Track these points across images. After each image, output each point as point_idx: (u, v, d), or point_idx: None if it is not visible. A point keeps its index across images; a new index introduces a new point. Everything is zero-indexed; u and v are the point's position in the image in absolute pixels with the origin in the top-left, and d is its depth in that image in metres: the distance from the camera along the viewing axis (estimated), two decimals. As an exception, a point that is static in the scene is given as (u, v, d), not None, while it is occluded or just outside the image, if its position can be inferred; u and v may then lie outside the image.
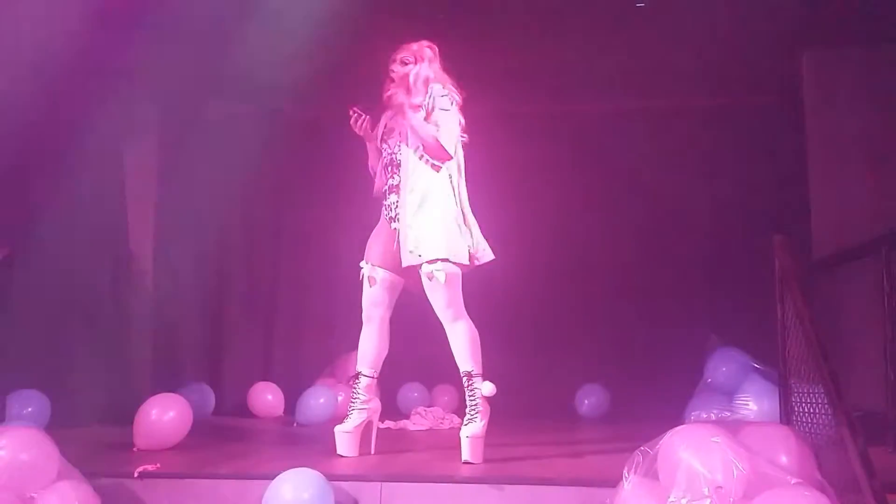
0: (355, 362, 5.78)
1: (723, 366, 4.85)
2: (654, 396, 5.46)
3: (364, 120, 3.76)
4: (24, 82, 4.58)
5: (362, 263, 3.80)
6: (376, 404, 3.89)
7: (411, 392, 6.05)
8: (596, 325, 6.16)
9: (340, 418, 5.47)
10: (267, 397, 5.84)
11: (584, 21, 5.04)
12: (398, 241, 3.68)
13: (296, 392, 5.52)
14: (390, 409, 5.85)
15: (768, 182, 5.95)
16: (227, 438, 4.57)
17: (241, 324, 6.36)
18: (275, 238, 6.53)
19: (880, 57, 5.16)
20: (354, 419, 3.76)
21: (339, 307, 6.53)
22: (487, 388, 3.66)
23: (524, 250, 6.17)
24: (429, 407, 5.68)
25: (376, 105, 3.83)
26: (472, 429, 3.60)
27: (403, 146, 3.73)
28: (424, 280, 3.65)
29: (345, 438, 3.72)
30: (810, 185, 5.31)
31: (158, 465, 3.29)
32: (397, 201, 3.72)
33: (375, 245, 3.81)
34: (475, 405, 3.65)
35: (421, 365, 6.22)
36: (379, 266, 3.77)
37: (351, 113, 3.77)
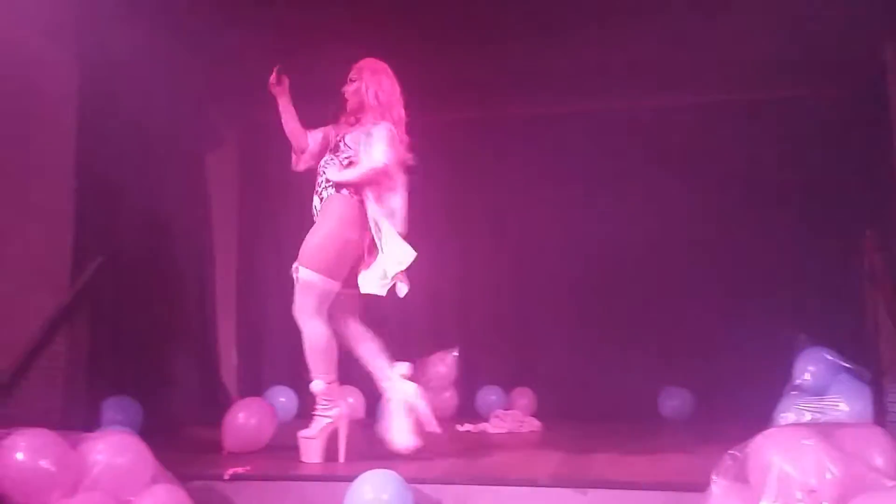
0: (434, 366, 5.94)
1: (812, 366, 4.69)
2: (739, 398, 5.33)
3: (282, 84, 3.90)
4: (116, 98, 4.78)
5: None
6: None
7: (489, 395, 6.05)
8: (679, 325, 6.04)
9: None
10: (347, 400, 5.90)
11: (663, 14, 4.95)
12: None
13: (376, 395, 5.57)
14: (469, 412, 5.88)
15: (857, 177, 5.75)
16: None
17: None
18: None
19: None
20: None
21: (416, 311, 6.60)
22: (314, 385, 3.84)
23: (605, 249, 6.13)
24: (507, 410, 5.67)
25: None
26: (306, 431, 3.77)
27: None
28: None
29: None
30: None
31: (248, 467, 3.37)
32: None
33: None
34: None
35: (498, 368, 6.24)
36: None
37: (274, 77, 3.88)
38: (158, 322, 5.05)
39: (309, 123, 4.12)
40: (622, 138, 6.20)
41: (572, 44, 5.20)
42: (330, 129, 4.06)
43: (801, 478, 2.32)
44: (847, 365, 4.53)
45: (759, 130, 6.06)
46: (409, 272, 6.50)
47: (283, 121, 4.02)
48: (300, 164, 4.11)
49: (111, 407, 4.47)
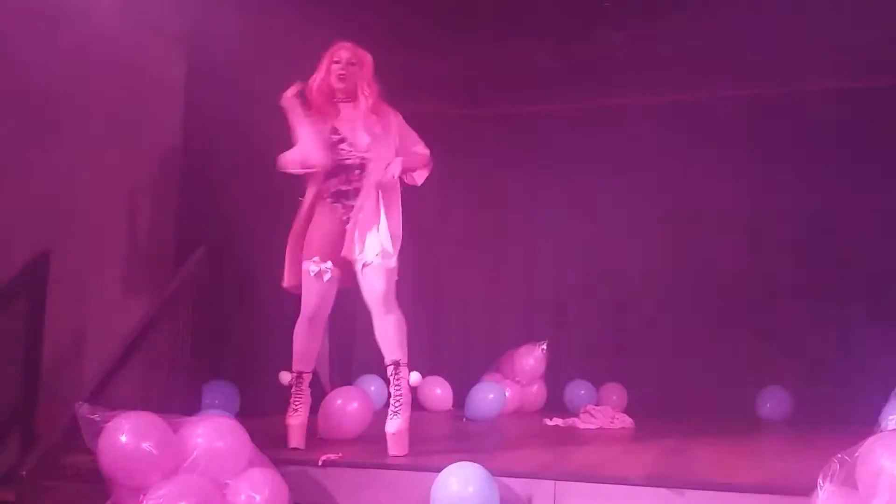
0: (522, 359, 5.91)
1: (921, 368, 4.48)
2: (842, 400, 5.13)
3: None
4: (221, 94, 4.92)
5: (310, 262, 3.77)
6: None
7: (578, 390, 5.98)
8: (781, 324, 5.84)
9: (508, 415, 5.55)
10: (436, 391, 5.95)
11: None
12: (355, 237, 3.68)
13: (464, 386, 5.59)
14: (557, 406, 5.83)
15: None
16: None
17: (414, 318, 6.48)
18: (439, 236, 6.64)
19: None
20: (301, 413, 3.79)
21: (505, 304, 6.59)
22: (414, 377, 3.66)
23: (704, 245, 5.99)
24: (597, 405, 5.59)
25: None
26: (397, 424, 3.60)
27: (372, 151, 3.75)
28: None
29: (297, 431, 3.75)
30: None
31: (341, 454, 3.42)
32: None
33: (321, 238, 3.79)
34: (399, 396, 3.63)
35: (588, 363, 6.17)
36: (327, 259, 3.75)
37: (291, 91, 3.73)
38: (257, 310, 5.17)
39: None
40: (715, 130, 6.03)
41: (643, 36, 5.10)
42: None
43: (915, 485, 2.21)
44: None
45: (867, 119, 5.79)
46: (504, 264, 6.58)
47: (302, 134, 3.80)
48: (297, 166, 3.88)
49: (211, 391, 4.61)
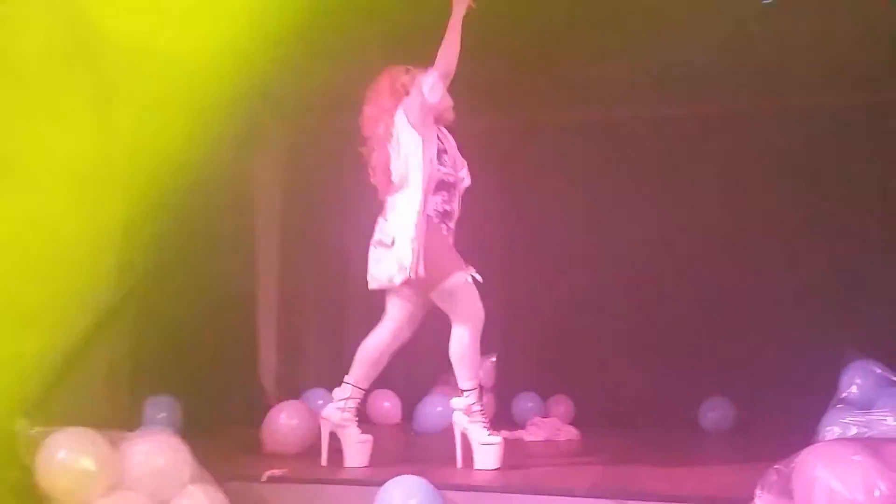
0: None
1: (859, 378, 4.58)
2: (782, 411, 5.24)
3: None
4: (164, 99, 4.83)
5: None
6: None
7: (526, 402, 6.00)
8: (722, 334, 5.94)
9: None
10: (384, 404, 5.92)
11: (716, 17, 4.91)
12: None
13: (413, 399, 5.58)
14: (505, 418, 5.84)
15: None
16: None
17: (360, 331, 6.48)
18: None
19: None
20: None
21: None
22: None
23: (646, 258, 6.06)
24: (544, 417, 5.62)
25: None
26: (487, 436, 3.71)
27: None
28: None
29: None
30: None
31: (286, 469, 3.38)
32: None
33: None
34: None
35: (537, 375, 6.20)
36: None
37: None
38: (201, 323, 5.10)
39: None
40: (660, 148, 6.13)
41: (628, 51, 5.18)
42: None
43: (849, 494, 2.27)
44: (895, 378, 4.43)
45: (805, 138, 5.94)
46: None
47: (452, 29, 3.66)
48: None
49: (153, 406, 4.53)
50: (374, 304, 6.52)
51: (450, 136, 3.89)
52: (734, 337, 5.89)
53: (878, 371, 4.56)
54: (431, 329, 6.51)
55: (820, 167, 5.87)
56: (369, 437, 3.84)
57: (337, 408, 3.82)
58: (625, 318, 6.05)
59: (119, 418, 3.66)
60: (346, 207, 6.57)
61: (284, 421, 4.13)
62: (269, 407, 4.28)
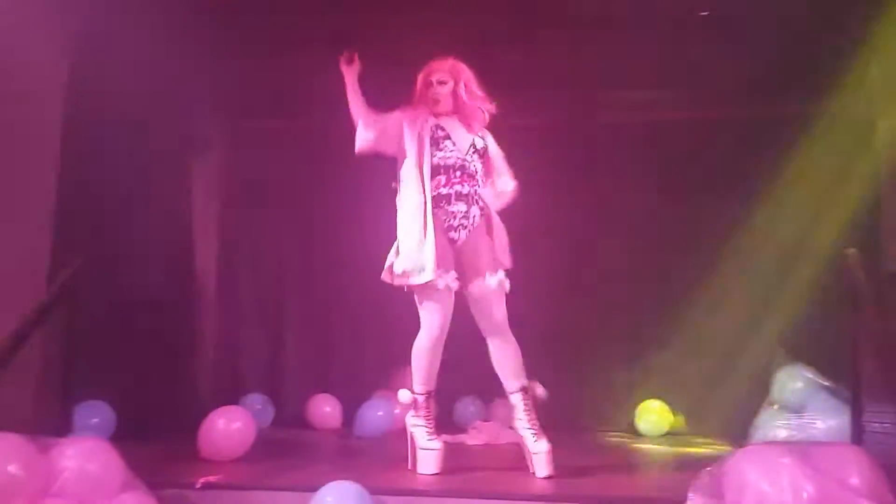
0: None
1: (790, 383, 4.72)
2: (716, 414, 5.35)
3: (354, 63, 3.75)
4: (95, 97, 4.73)
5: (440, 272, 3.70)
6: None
7: (468, 406, 6.01)
8: (657, 340, 6.04)
9: (398, 432, 5.53)
10: (325, 409, 5.88)
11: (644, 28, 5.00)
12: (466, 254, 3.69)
13: (354, 404, 5.54)
14: (447, 423, 5.84)
15: (838, 193, 5.78)
16: (286, 450, 4.60)
17: (300, 335, 6.44)
18: (335, 251, 6.58)
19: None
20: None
21: (398, 318, 6.56)
22: (540, 390, 3.73)
23: (582, 261, 6.12)
24: (485, 421, 5.63)
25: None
26: (543, 444, 3.63)
27: (479, 161, 3.81)
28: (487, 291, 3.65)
29: (436, 456, 3.70)
30: (882, 195, 5.14)
31: (220, 476, 3.33)
32: (465, 212, 3.72)
33: (447, 253, 3.72)
34: (534, 418, 3.69)
35: (478, 379, 6.20)
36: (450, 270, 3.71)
37: (347, 55, 3.76)
38: (136, 327, 4.99)
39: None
40: (605, 150, 6.21)
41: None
42: (403, 118, 3.84)
43: (777, 496, 2.32)
44: (825, 383, 4.55)
45: (739, 147, 6.08)
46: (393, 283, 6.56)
47: (349, 96, 3.80)
48: (364, 143, 3.85)
49: (85, 411, 4.41)
50: (314, 309, 6.52)
51: (457, 122, 3.85)
52: (668, 342, 6.00)
53: (808, 375, 4.69)
54: (372, 333, 6.54)
55: (740, 175, 6.02)
56: (437, 444, 3.72)
57: (410, 414, 3.86)
58: (564, 326, 6.09)
59: (49, 424, 3.56)
60: (286, 209, 6.55)
61: (222, 426, 4.04)
62: (204, 413, 4.18)
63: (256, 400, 5.54)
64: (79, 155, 4.69)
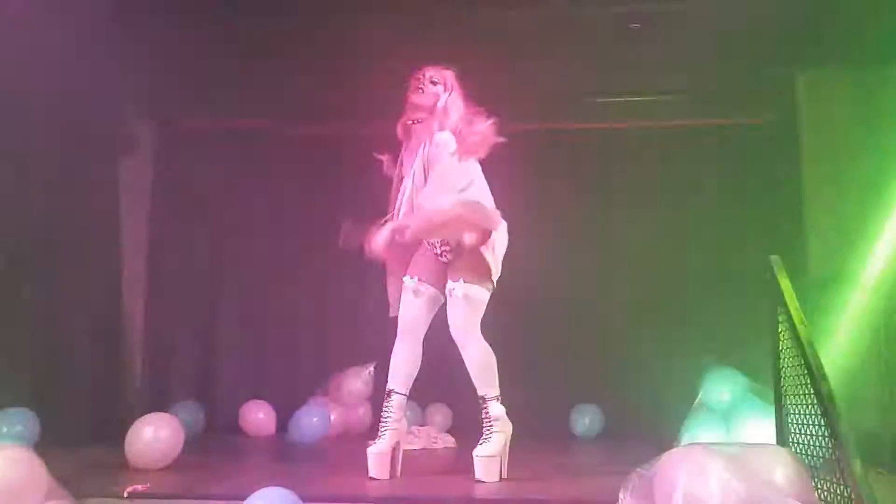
0: (349, 381, 5.87)
1: (718, 386, 4.82)
2: (648, 417, 5.44)
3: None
4: (20, 98, 4.58)
5: (406, 277, 3.75)
6: (404, 424, 3.85)
7: (404, 409, 5.98)
8: (591, 344, 6.13)
9: (333, 438, 5.49)
10: (258, 415, 5.79)
11: (578, 42, 5.06)
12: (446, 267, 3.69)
13: (288, 410, 5.48)
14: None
15: (765, 201, 5.97)
16: (217, 458, 4.52)
17: (233, 341, 6.33)
18: (268, 256, 6.50)
19: (874, 78, 5.20)
20: (387, 439, 3.70)
21: (333, 326, 6.52)
22: (496, 409, 3.68)
23: (517, 266, 6.15)
24: (422, 426, 5.63)
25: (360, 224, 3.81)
26: (485, 448, 3.60)
27: None
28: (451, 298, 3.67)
29: (379, 460, 3.65)
30: (806, 204, 5.32)
31: (148, 484, 3.25)
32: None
33: (421, 262, 3.78)
34: (490, 426, 3.65)
35: (415, 384, 6.18)
36: (425, 281, 3.74)
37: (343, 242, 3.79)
38: (61, 333, 4.85)
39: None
40: (531, 163, 6.25)
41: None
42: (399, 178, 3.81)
43: (705, 497, 2.36)
44: (752, 385, 4.66)
45: (668, 158, 6.23)
46: (333, 284, 6.50)
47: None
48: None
49: (7, 419, 4.27)
50: (248, 313, 6.42)
51: (409, 154, 3.79)
52: (603, 346, 6.09)
53: (736, 378, 4.81)
54: (307, 340, 6.47)
55: (668, 183, 6.18)
56: (380, 447, 3.67)
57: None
58: (498, 329, 6.10)
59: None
60: (220, 212, 6.44)
61: (151, 434, 3.94)
62: (132, 419, 4.08)
63: (187, 406, 5.43)
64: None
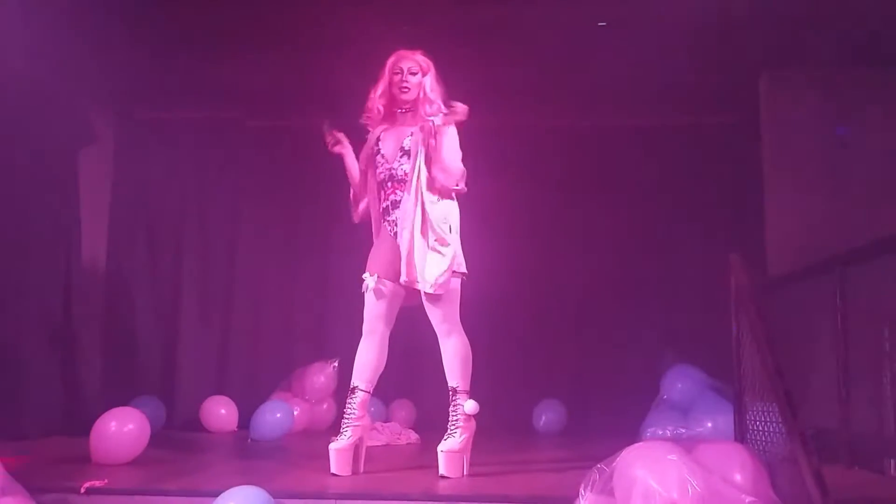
0: (313, 376, 5.83)
1: (678, 382, 4.89)
2: (610, 412, 5.49)
3: (340, 141, 3.82)
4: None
5: (366, 275, 3.73)
6: (368, 421, 3.83)
7: (368, 406, 5.95)
8: (553, 340, 6.17)
9: (296, 434, 5.45)
10: (220, 411, 5.74)
11: (544, 40, 5.08)
12: (405, 260, 3.64)
13: (250, 406, 5.43)
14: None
15: (725, 200, 6.05)
16: (178, 454, 4.47)
17: (194, 336, 6.27)
18: (230, 250, 6.45)
19: (835, 77, 5.29)
20: (350, 435, 3.67)
21: (297, 321, 6.49)
22: (470, 405, 3.65)
23: (480, 268, 6.16)
24: (386, 422, 5.62)
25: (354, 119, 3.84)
26: (449, 444, 3.59)
27: (408, 163, 3.71)
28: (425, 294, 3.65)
29: (340, 456, 3.62)
30: (766, 202, 5.39)
31: (106, 480, 3.20)
32: (402, 218, 3.68)
33: (379, 256, 3.76)
34: (456, 420, 3.64)
35: (379, 379, 6.17)
36: (385, 278, 3.71)
37: (327, 138, 3.81)
38: (20, 325, 4.76)
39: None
40: (497, 160, 6.26)
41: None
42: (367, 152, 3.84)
43: (664, 492, 2.39)
44: (712, 382, 4.73)
45: (630, 155, 6.28)
46: (297, 280, 6.46)
47: (349, 175, 3.89)
48: (359, 215, 3.94)
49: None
50: (209, 308, 6.35)
51: (391, 134, 3.80)
52: (565, 342, 6.13)
53: (696, 374, 4.87)
54: (270, 335, 6.43)
55: (632, 181, 6.24)
56: (342, 444, 3.64)
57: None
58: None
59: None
60: (181, 205, 6.36)
61: (114, 429, 3.88)
62: (91, 415, 4.02)
63: (146, 402, 5.35)
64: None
